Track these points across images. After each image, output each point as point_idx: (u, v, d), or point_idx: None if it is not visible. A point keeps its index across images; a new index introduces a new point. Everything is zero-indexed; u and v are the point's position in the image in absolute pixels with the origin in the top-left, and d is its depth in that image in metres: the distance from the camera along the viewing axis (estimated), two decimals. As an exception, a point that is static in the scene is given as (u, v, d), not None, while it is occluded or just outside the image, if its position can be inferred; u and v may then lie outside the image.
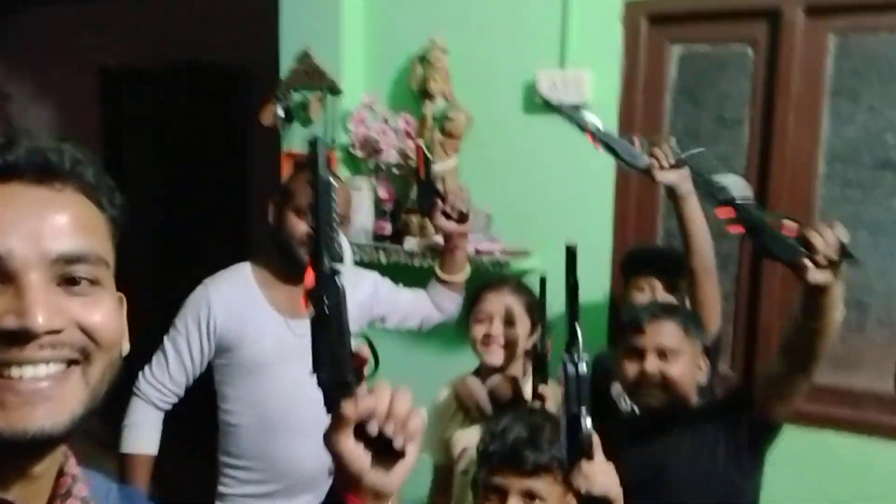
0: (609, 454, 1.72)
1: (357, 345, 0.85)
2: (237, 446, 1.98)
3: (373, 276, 2.19)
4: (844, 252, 1.34)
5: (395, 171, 2.68)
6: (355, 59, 2.75)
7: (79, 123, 5.11)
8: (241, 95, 4.38)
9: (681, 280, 2.04)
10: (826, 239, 1.34)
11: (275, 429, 1.92)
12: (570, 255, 1.31)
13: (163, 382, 1.95)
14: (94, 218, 0.70)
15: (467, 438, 1.91)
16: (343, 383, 0.82)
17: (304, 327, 2.01)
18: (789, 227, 1.37)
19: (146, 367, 1.97)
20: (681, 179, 1.92)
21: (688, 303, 1.99)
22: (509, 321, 1.90)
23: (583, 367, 1.23)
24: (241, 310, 1.94)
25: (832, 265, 1.34)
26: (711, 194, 1.58)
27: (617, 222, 2.51)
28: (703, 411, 1.71)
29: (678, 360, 1.66)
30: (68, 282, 0.66)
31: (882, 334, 2.25)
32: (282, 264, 1.95)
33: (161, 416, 1.98)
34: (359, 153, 2.68)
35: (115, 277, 0.73)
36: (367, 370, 0.86)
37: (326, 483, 2.14)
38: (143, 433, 1.95)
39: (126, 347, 0.72)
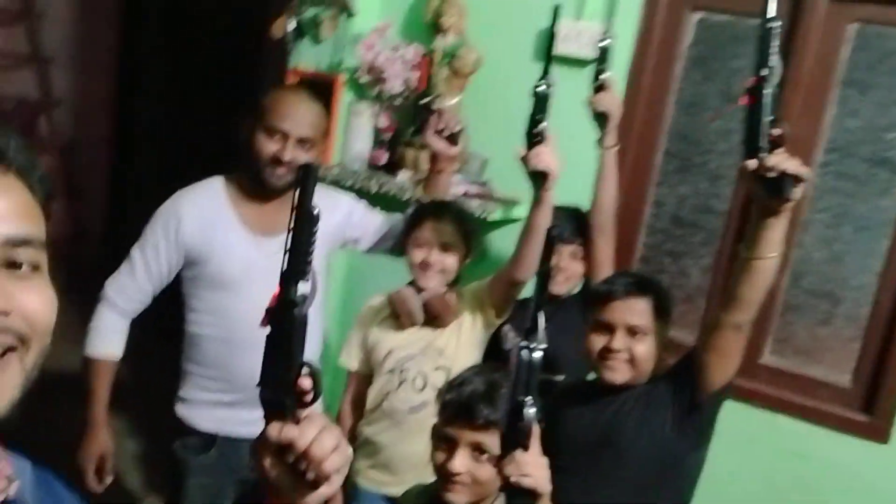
0: (559, 415, 1.78)
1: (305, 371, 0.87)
2: (201, 355, 2.01)
3: (347, 200, 2.18)
4: (779, 182, 1.37)
5: (398, 101, 2.67)
6: (373, -19, 2.71)
7: (96, 6, 5.06)
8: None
9: (566, 244, 2.12)
10: (777, 161, 1.37)
11: (238, 343, 1.94)
12: (549, 241, 1.25)
13: (130, 288, 1.96)
14: (34, 204, 0.70)
15: (396, 342, 2.01)
16: (280, 404, 0.86)
17: (272, 245, 2.04)
18: (774, 132, 1.41)
19: (114, 274, 1.97)
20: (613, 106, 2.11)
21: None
22: (446, 247, 1.95)
23: (537, 356, 1.20)
24: (211, 224, 1.93)
25: (772, 185, 1.38)
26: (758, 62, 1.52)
27: (610, 183, 2.51)
28: (654, 377, 1.74)
29: (646, 339, 1.68)
30: (10, 265, 0.65)
31: (849, 329, 2.28)
32: (251, 182, 1.94)
33: (127, 322, 1.99)
34: (364, 79, 2.66)
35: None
36: (308, 398, 0.86)
37: None
38: (107, 337, 1.96)
39: (49, 337, 0.71)
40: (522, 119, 2.58)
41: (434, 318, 1.98)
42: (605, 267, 2.10)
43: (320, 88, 2.78)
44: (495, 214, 2.49)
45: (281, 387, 0.87)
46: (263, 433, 0.83)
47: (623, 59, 2.42)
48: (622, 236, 2.46)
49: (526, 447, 1.20)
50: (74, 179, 5.43)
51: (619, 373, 1.69)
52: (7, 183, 0.67)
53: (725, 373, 1.63)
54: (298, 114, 1.89)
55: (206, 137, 4.38)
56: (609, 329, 1.69)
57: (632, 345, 1.68)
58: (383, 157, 2.70)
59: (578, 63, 2.47)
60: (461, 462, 1.38)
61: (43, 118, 5.33)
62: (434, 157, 2.11)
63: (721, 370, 1.62)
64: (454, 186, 2.52)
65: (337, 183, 2.55)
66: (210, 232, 1.94)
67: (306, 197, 0.82)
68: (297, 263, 0.84)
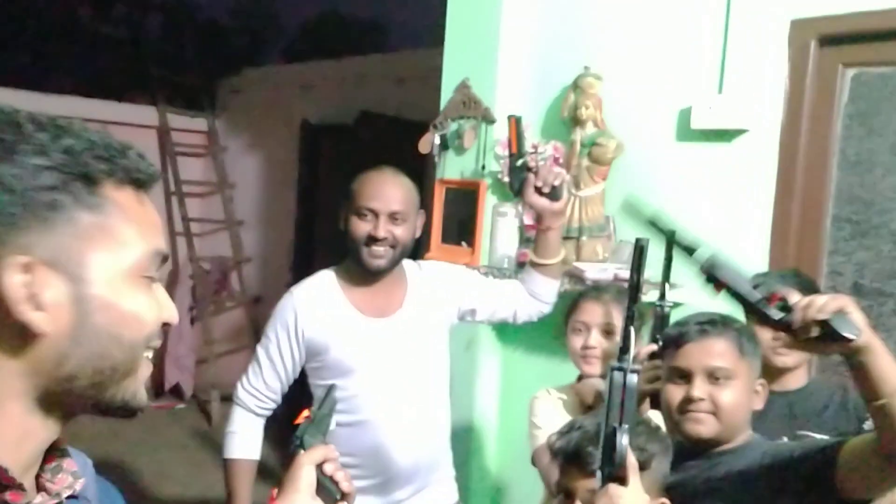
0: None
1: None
2: (333, 443, 1.98)
3: (458, 270, 2.16)
4: (830, 332, 1.14)
5: (541, 197, 2.65)
6: (511, 88, 2.80)
7: (280, 169, 5.62)
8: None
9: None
10: (805, 315, 1.16)
11: (367, 426, 1.91)
12: (639, 250, 1.14)
13: (259, 390, 1.99)
14: None
15: None
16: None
17: (385, 326, 2.01)
18: (777, 295, 1.22)
19: (243, 377, 2.02)
20: None
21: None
22: (608, 331, 1.82)
23: (631, 379, 1.09)
24: (327, 314, 1.95)
25: (820, 343, 1.17)
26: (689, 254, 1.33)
27: (773, 261, 2.30)
28: (768, 463, 1.42)
29: (731, 384, 1.44)
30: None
31: None
32: (356, 267, 1.95)
33: (261, 422, 2.02)
34: (506, 179, 2.69)
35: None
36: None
37: (423, 476, 2.13)
38: (244, 439, 1.99)
39: None
40: (669, 200, 2.49)
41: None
42: None
43: (466, 195, 2.86)
44: (648, 297, 2.33)
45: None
46: (312, 451, 1.15)
47: (774, 125, 2.29)
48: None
49: (621, 479, 1.03)
50: (260, 330, 5.80)
51: (704, 425, 1.43)
52: (150, 202, 0.74)
53: (877, 495, 1.33)
54: (385, 191, 1.92)
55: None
56: (686, 377, 1.46)
57: (714, 392, 1.43)
58: (530, 255, 2.65)
59: (722, 135, 2.36)
60: None
61: (234, 274, 5.84)
62: (539, 217, 2.04)
63: (873, 495, 1.33)
64: (605, 272, 2.42)
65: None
66: (327, 321, 1.95)
67: (325, 409, 1.25)
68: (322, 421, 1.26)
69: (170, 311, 0.74)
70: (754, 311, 1.23)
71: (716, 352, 1.45)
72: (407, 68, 4.64)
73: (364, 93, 4.87)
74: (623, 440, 1.02)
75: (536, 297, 2.11)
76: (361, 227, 1.90)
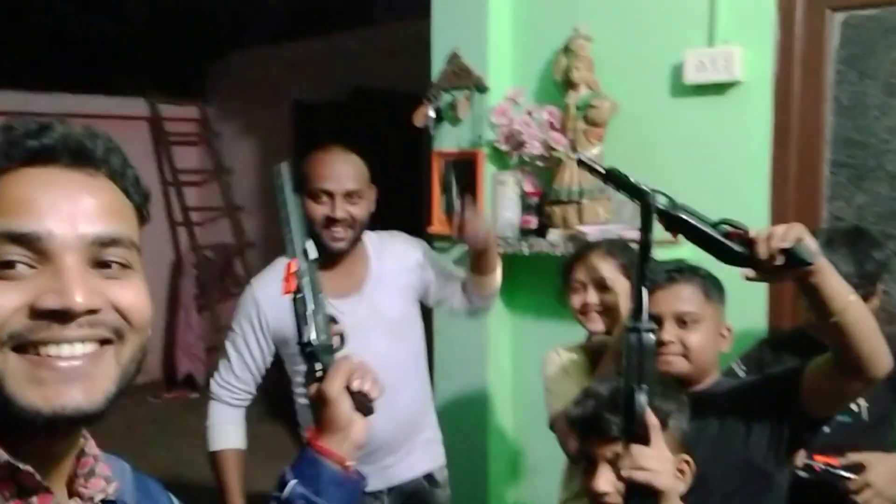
0: None
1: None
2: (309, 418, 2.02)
3: (421, 246, 2.17)
4: (793, 258, 1.21)
5: (539, 163, 2.67)
6: (502, 55, 2.80)
7: (275, 151, 5.60)
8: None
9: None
10: (770, 247, 1.22)
11: None
12: (646, 210, 1.15)
13: (230, 382, 1.99)
14: (124, 204, 0.71)
15: None
16: (330, 347, 1.03)
17: (349, 306, 2.01)
18: (735, 232, 1.26)
19: (215, 372, 2.03)
20: None
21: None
22: (603, 287, 1.83)
23: (649, 338, 1.11)
24: (288, 302, 1.95)
25: (781, 270, 1.24)
26: (642, 199, 1.25)
27: (774, 210, 2.32)
28: (737, 395, 1.53)
29: (698, 326, 1.51)
30: (101, 265, 0.67)
31: None
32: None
33: (239, 412, 2.01)
34: (504, 147, 2.70)
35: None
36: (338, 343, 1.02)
37: (409, 441, 2.13)
38: (224, 430, 1.98)
39: (148, 332, 0.72)
40: (666, 158, 2.50)
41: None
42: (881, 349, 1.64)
43: (464, 166, 2.87)
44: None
45: (324, 330, 1.09)
46: (337, 369, 1.00)
47: (765, 75, 2.30)
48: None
49: (644, 441, 1.07)
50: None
51: (674, 365, 1.51)
52: (96, 184, 0.69)
53: (841, 408, 1.48)
54: (337, 170, 1.90)
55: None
56: (657, 321, 1.48)
57: (683, 335, 1.51)
58: (533, 221, 2.68)
59: (715, 88, 2.37)
60: (604, 480, 1.26)
61: (238, 260, 5.86)
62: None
63: (838, 407, 1.46)
64: (608, 233, 2.44)
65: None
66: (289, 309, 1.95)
67: (283, 190, 1.03)
68: (296, 235, 1.07)
69: (50, 296, 0.63)
70: (718, 249, 1.26)
71: (683, 297, 1.52)
72: (397, 40, 4.60)
73: (355, 68, 4.84)
74: (641, 400, 1.05)
75: (470, 301, 2.13)
76: (318, 210, 1.88)
